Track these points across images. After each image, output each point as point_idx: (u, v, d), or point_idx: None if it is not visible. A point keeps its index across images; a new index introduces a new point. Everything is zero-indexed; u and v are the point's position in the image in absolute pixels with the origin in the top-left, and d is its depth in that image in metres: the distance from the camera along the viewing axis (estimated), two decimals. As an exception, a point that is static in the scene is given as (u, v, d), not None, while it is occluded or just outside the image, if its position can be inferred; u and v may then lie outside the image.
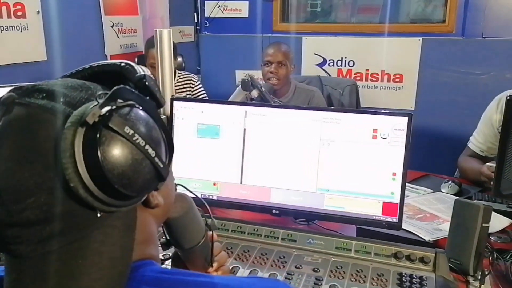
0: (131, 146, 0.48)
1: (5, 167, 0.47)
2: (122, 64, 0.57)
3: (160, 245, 0.72)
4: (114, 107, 0.48)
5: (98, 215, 0.49)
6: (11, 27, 2.36)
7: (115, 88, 0.50)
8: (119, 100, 0.49)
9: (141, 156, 0.49)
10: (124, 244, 0.53)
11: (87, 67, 0.60)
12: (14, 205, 0.46)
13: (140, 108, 0.51)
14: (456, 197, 1.36)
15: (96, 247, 0.51)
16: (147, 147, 0.50)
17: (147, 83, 0.55)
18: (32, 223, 0.47)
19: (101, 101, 0.48)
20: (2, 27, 2.31)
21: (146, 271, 0.55)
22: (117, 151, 0.47)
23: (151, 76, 0.56)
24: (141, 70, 0.56)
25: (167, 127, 0.55)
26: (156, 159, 0.51)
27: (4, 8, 2.31)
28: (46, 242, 0.48)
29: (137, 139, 0.49)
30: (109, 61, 0.60)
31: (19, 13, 2.40)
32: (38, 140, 0.47)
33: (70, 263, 0.50)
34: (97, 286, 0.51)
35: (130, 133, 0.48)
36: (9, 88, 0.51)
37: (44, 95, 0.50)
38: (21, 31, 2.41)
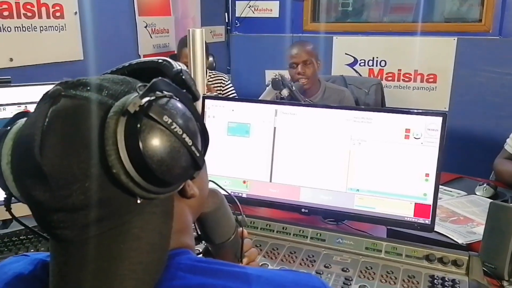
0: (170, 134, 0.50)
1: (53, 154, 0.49)
2: (160, 61, 0.60)
3: None
4: (153, 97, 0.50)
5: (138, 201, 0.51)
6: (50, 27, 2.44)
7: (154, 80, 0.52)
8: (157, 92, 0.51)
9: (178, 144, 0.51)
10: (162, 231, 0.55)
11: (127, 64, 0.63)
12: (61, 190, 0.49)
13: (178, 99, 0.53)
14: (491, 200, 1.32)
15: (136, 233, 0.53)
16: (184, 135, 0.51)
17: (184, 77, 0.57)
18: (77, 208, 0.49)
19: (141, 92, 0.51)
20: (41, 27, 2.39)
21: (182, 259, 0.57)
22: (156, 139, 0.49)
23: (187, 70, 0.58)
24: (178, 65, 0.58)
25: (202, 119, 0.56)
26: (193, 148, 0.53)
27: (43, 9, 2.40)
28: (89, 227, 0.51)
29: (175, 128, 0.51)
30: (147, 58, 0.63)
31: (58, 14, 2.48)
32: (83, 129, 0.50)
33: (112, 247, 0.52)
34: (137, 269, 0.53)
35: (169, 122, 0.50)
36: (47, 86, 0.54)
37: (88, 88, 0.53)
38: (59, 31, 2.50)
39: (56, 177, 0.49)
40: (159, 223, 0.55)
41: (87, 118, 0.50)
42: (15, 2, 2.25)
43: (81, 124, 0.50)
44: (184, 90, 0.56)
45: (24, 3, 2.29)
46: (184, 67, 0.58)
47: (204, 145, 0.57)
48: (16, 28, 2.27)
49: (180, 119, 0.51)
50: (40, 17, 2.38)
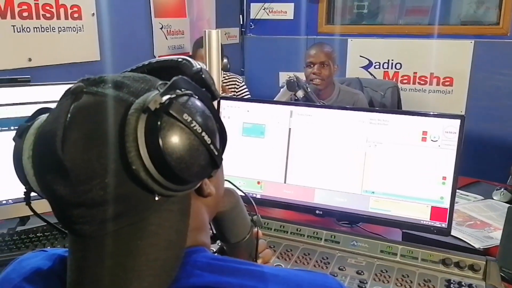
0: (189, 132, 0.51)
1: (74, 149, 0.50)
2: (180, 59, 0.60)
3: None
4: (174, 95, 0.51)
5: (156, 198, 0.51)
6: (68, 28, 2.47)
7: (174, 78, 0.53)
8: (178, 90, 0.52)
9: (197, 142, 0.51)
10: (179, 228, 0.56)
11: (146, 63, 0.63)
12: (81, 185, 0.49)
13: (197, 98, 0.54)
14: (509, 205, 1.30)
15: (153, 229, 0.53)
16: (203, 134, 0.51)
17: (203, 76, 0.57)
18: (96, 203, 0.50)
19: (162, 90, 0.51)
20: (60, 28, 2.43)
21: (199, 257, 0.57)
22: (176, 136, 0.50)
23: (207, 70, 0.58)
24: (198, 64, 0.58)
25: (220, 118, 0.57)
26: (211, 146, 0.53)
27: (62, 10, 2.43)
28: (108, 223, 0.51)
29: (195, 126, 0.51)
30: (166, 57, 0.63)
31: (76, 15, 2.51)
32: (104, 125, 0.50)
33: (130, 243, 0.52)
34: (154, 266, 0.53)
35: (189, 120, 0.50)
36: (65, 85, 0.55)
37: (109, 85, 0.53)
38: (77, 32, 2.53)
39: (77, 172, 0.49)
40: (176, 220, 0.55)
41: (108, 114, 0.51)
42: (35, 3, 2.29)
43: (102, 120, 0.51)
44: (204, 89, 0.56)
45: (43, 4, 2.33)
46: (204, 66, 0.59)
47: (222, 144, 0.57)
48: (35, 29, 2.31)
49: (199, 117, 0.52)
50: (58, 18, 2.41)
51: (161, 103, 0.49)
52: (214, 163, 0.55)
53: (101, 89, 0.53)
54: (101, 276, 0.53)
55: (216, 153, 0.54)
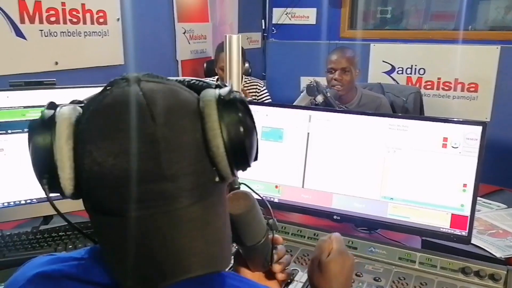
0: (252, 124, 0.57)
1: (162, 123, 0.51)
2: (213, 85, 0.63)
3: None
4: (238, 93, 0.58)
5: (217, 179, 0.55)
6: (93, 33, 2.54)
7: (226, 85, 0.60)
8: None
9: (255, 134, 0.58)
10: (222, 216, 0.59)
11: (181, 79, 0.64)
12: (166, 158, 0.51)
13: None
14: (534, 214, 1.27)
15: (215, 210, 0.57)
16: (255, 128, 0.58)
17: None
18: (174, 177, 0.51)
19: (228, 87, 0.58)
20: (86, 33, 2.49)
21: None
22: (245, 126, 0.55)
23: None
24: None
25: None
26: (258, 141, 0.60)
27: (88, 15, 2.50)
28: (182, 197, 0.53)
29: (253, 120, 0.58)
30: (200, 79, 0.64)
31: (101, 20, 2.58)
32: (183, 104, 0.54)
33: (200, 218, 0.55)
34: (223, 236, 0.58)
35: (251, 113, 0.58)
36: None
37: (163, 78, 0.57)
38: (102, 37, 2.59)
39: (165, 144, 0.51)
40: (222, 209, 0.59)
41: (185, 96, 0.56)
42: (62, 9, 2.36)
43: (180, 100, 0.55)
44: None
45: (70, 9, 2.40)
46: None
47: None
48: (62, 33, 2.38)
49: (252, 114, 0.59)
50: (84, 23, 2.48)
51: (232, 95, 0.56)
52: (256, 156, 0.59)
53: (158, 80, 0.56)
54: (161, 251, 0.53)
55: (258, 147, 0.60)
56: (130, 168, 0.50)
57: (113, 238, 0.55)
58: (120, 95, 0.53)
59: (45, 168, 0.55)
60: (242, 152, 0.55)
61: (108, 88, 0.55)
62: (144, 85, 0.53)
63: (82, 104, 0.57)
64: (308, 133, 1.37)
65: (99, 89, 0.56)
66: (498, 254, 1.26)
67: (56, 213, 0.61)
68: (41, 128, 0.55)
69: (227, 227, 0.60)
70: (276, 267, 0.87)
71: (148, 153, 0.50)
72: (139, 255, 0.53)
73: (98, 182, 0.52)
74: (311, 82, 2.15)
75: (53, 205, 0.59)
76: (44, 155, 0.54)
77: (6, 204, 1.31)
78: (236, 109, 0.55)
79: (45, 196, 0.56)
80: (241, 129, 0.54)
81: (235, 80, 1.55)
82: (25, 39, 2.21)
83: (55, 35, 2.34)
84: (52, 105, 0.58)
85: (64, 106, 0.57)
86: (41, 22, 2.26)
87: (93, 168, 0.51)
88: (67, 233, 1.32)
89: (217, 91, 0.56)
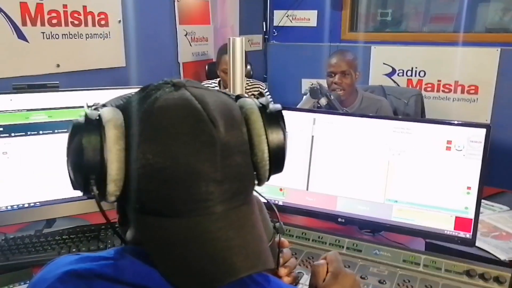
0: (287, 133, 0.61)
1: (221, 128, 0.54)
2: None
3: None
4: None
5: (256, 182, 0.60)
6: (95, 35, 2.54)
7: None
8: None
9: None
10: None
11: None
12: (224, 160, 0.53)
13: None
14: (537, 216, 1.27)
15: (254, 210, 0.59)
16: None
17: None
18: (230, 178, 0.54)
19: (263, 98, 0.62)
20: (87, 35, 2.49)
21: None
22: (285, 134, 0.60)
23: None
24: None
25: None
26: None
27: (89, 18, 2.50)
28: (233, 199, 0.55)
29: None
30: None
31: (103, 22, 2.58)
32: (232, 109, 0.57)
33: (247, 217, 0.57)
34: (264, 236, 0.59)
35: (285, 122, 0.62)
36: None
37: (203, 85, 0.60)
38: (103, 39, 2.59)
39: (223, 148, 0.53)
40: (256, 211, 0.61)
41: (229, 101, 0.58)
42: (63, 11, 2.36)
43: (228, 105, 0.57)
44: None
45: (71, 12, 2.40)
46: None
47: None
48: (64, 36, 2.38)
49: None
50: (86, 25, 2.48)
51: (274, 107, 0.61)
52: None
53: (200, 85, 0.59)
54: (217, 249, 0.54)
55: None
56: (186, 170, 0.52)
57: (163, 238, 0.54)
58: (172, 99, 0.55)
59: (93, 169, 0.54)
60: (282, 158, 0.59)
61: (152, 91, 0.56)
62: (191, 90, 0.56)
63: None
64: (313, 136, 1.37)
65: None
66: (502, 257, 1.26)
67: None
68: (88, 128, 0.54)
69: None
70: (282, 271, 0.87)
71: (206, 155, 0.52)
72: (191, 255, 0.53)
73: (150, 183, 0.53)
74: (314, 84, 2.15)
75: (100, 205, 0.58)
76: (93, 156, 0.53)
77: (9, 207, 1.31)
78: (278, 117, 0.60)
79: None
80: (283, 136, 0.59)
81: (238, 83, 1.55)
82: (27, 41, 2.21)
83: (57, 37, 2.34)
84: (95, 106, 0.59)
85: (105, 108, 0.57)
86: (42, 24, 2.26)
87: (146, 169, 0.52)
88: (71, 236, 1.31)
89: (255, 99, 0.61)
